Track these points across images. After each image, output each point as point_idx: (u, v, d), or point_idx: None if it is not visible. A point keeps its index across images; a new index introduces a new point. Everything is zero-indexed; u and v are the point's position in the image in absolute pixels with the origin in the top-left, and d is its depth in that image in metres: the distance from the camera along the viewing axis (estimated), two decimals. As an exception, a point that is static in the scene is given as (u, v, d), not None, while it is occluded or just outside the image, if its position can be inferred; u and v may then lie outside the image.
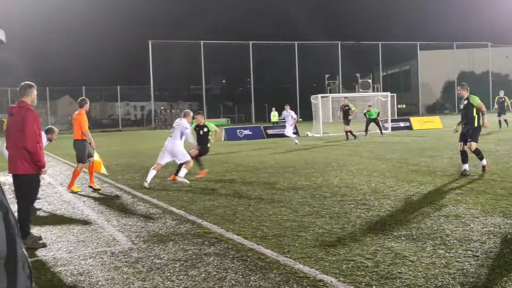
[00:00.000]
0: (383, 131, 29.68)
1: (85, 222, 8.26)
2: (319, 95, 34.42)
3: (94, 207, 9.64)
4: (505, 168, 12.31)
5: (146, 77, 68.41)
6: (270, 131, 32.89)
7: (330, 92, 52.51)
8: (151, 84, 67.28)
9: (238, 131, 32.29)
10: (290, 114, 25.41)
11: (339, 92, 58.83)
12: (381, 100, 36.84)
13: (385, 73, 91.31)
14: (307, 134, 32.27)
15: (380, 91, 57.93)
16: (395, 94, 38.52)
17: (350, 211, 8.10)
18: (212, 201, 9.60)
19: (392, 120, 34.80)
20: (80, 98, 12.23)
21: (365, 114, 29.68)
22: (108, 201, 10.24)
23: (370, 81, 56.64)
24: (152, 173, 11.92)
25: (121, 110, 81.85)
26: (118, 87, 72.94)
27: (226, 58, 74.10)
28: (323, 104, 33.99)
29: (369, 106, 30.47)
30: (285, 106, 26.16)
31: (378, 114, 30.01)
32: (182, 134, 12.11)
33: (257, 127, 34.41)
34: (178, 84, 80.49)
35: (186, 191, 10.93)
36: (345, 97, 29.86)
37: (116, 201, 10.25)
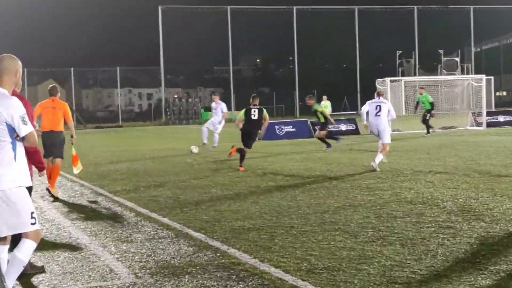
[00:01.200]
0: (451, 128, 29.26)
1: (74, 248, 8.35)
2: (388, 79, 34.17)
3: (85, 228, 9.75)
4: None
5: (154, 55, 68.60)
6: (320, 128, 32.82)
7: (403, 75, 52.03)
8: (161, 65, 67.27)
9: (277, 127, 32.31)
10: (220, 106, 25.58)
11: (414, 75, 58.29)
12: (473, 86, 36.36)
13: (478, 49, 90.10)
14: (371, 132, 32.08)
15: (472, 73, 57.17)
16: (492, 78, 38.00)
17: (429, 236, 8.02)
18: (242, 221, 9.62)
19: (488, 113, 34.32)
20: (50, 86, 13.24)
21: (417, 103, 29.41)
22: (104, 220, 10.35)
23: (457, 59, 55.84)
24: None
25: (122, 99, 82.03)
26: (118, 68, 72.73)
27: (262, 29, 74.01)
28: (393, 91, 33.75)
29: (421, 88, 30.10)
30: (213, 96, 26.20)
31: (432, 105, 29.39)
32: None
33: (303, 122, 34.41)
34: (196, 65, 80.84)
35: (207, 208, 10.98)
36: (422, 87, 29.75)
37: (115, 220, 10.35)
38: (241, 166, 16.81)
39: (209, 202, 11.62)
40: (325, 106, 35.89)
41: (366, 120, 17.21)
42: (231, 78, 70.58)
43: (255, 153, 22.57)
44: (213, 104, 26.20)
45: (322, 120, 23.95)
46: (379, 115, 16.51)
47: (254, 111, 17.47)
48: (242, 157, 16.90)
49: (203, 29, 71.86)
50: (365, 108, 17.27)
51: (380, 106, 16.64)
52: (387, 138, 16.41)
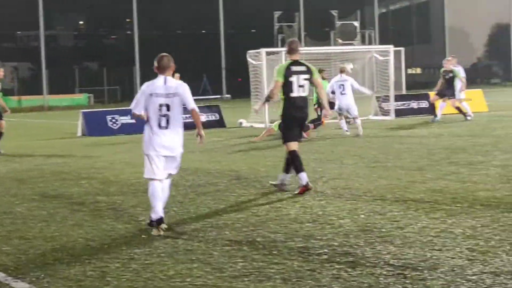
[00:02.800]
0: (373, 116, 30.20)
1: None
2: (263, 50, 34.62)
3: None
4: None
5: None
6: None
7: (283, 45, 52.97)
8: None
9: (109, 118, 32.08)
10: None
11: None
12: (377, 60, 37.42)
13: (384, 10, 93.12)
14: (241, 123, 32.41)
15: (376, 43, 59.00)
16: (403, 49, 39.27)
17: (320, 267, 8.18)
18: (60, 252, 9.48)
19: (398, 98, 35.50)
20: None
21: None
22: None
23: (356, 24, 57.48)
24: None
25: None
26: None
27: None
28: (270, 67, 34.17)
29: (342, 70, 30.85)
30: None
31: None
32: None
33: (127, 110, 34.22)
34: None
35: (9, 235, 10.74)
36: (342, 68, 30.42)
37: None
38: None
39: (10, 227, 11.37)
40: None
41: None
42: (42, 48, 69.60)
43: (69, 156, 22.34)
44: None
45: None
46: (344, 93, 23.84)
47: None
48: None
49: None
50: (330, 87, 22.21)
51: (343, 85, 22.73)
52: (355, 111, 24.67)
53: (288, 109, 13.81)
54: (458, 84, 31.22)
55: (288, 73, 13.66)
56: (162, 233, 10.37)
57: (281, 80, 13.63)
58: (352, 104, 25.79)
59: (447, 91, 30.74)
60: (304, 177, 13.47)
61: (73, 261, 8.99)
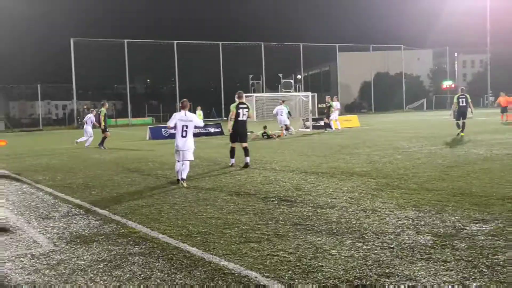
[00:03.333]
0: (293, 130, 30.10)
1: (4, 225, 7.85)
2: (244, 94, 34.57)
3: (13, 209, 9.18)
4: (417, 164, 12.89)
5: (68, 75, 66.04)
6: (195, 131, 32.66)
7: (254, 92, 52.77)
8: (73, 82, 64.96)
9: (163, 130, 31.84)
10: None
11: (262, 92, 59.36)
12: (302, 100, 37.52)
13: (306, 74, 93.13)
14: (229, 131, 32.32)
15: (302, 91, 59.00)
16: (315, 94, 39.34)
17: (273, 207, 8.21)
18: (137, 200, 9.43)
19: (313, 119, 35.52)
20: None
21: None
22: (28, 202, 9.80)
23: (292, 81, 57.40)
24: None
25: (42, 109, 78.38)
26: (39, 85, 69.85)
27: (151, 57, 72.90)
28: (247, 103, 34.18)
29: (282, 101, 30.72)
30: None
31: (289, 113, 30.10)
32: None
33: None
34: (101, 83, 78.26)
35: (111, 191, 10.67)
36: (283, 101, 30.39)
37: (37, 202, 9.82)
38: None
39: (111, 187, 11.29)
40: (199, 114, 35.59)
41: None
42: (128, 93, 69.21)
43: (142, 150, 22.18)
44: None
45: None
46: (282, 115, 27.81)
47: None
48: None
49: (106, 56, 69.45)
50: (275, 111, 21.25)
51: (282, 110, 26.37)
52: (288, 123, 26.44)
53: (236, 126, 14.21)
54: (335, 111, 31.46)
55: (237, 108, 14.25)
56: (184, 185, 10.82)
57: (235, 111, 14.21)
58: (286, 120, 28.25)
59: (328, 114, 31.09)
60: (233, 161, 14.36)
61: (144, 205, 8.95)
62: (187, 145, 11.23)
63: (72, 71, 64.21)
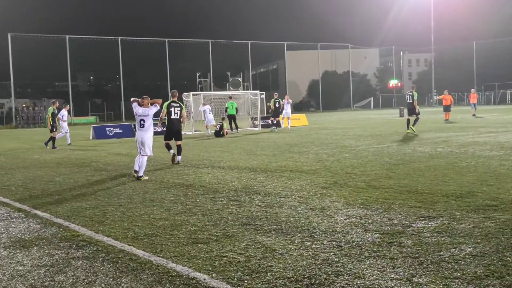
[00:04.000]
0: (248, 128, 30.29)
1: None
2: (191, 93, 34.34)
3: None
4: (365, 162, 13.17)
5: (5, 72, 63.72)
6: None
7: (202, 90, 52.59)
8: (11, 79, 62.72)
9: (107, 129, 31.26)
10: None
11: (210, 90, 59.18)
12: (251, 98, 37.65)
13: (254, 72, 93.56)
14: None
15: (250, 89, 59.21)
16: (264, 93, 39.53)
17: (222, 207, 8.20)
18: (80, 202, 9.21)
19: (262, 118, 35.69)
20: None
21: (226, 108, 29.90)
22: (-38, 206, 9.40)
23: (240, 79, 57.62)
24: None
25: (-23, 107, 75.33)
26: (-27, 82, 67.19)
27: (94, 54, 71.24)
28: (195, 102, 33.94)
29: (229, 98, 30.76)
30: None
31: (237, 109, 30.18)
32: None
33: (128, 125, 33.51)
34: (41, 80, 75.96)
35: (52, 193, 10.37)
36: (230, 97, 30.40)
37: (-28, 206, 9.43)
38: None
39: (53, 188, 10.97)
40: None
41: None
42: (70, 91, 67.41)
43: (85, 150, 21.70)
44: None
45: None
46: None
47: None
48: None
49: (46, 52, 67.37)
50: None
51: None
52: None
53: (169, 124, 14.65)
54: (287, 109, 31.98)
55: (169, 106, 14.54)
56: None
57: (165, 110, 14.56)
58: (212, 120, 29.19)
59: (277, 113, 31.30)
60: (172, 151, 14.78)
61: (87, 207, 8.75)
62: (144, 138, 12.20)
63: (9, 68, 62.00)
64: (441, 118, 34.76)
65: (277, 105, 31.17)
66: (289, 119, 32.76)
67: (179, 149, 14.69)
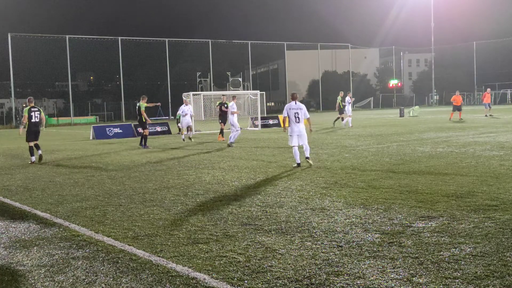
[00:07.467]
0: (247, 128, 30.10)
1: None
2: (191, 93, 34.38)
3: None
4: (365, 162, 13.17)
5: (5, 72, 63.69)
6: (141, 130, 32.16)
7: (202, 90, 52.65)
8: (11, 79, 62.69)
9: (107, 129, 31.25)
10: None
11: (210, 90, 59.20)
12: (251, 98, 37.67)
13: (254, 72, 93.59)
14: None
15: (250, 89, 59.25)
16: (264, 93, 39.56)
17: (222, 207, 8.19)
18: (80, 202, 9.21)
19: (262, 118, 35.72)
20: None
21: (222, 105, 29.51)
22: (-38, 206, 9.40)
23: (240, 79, 57.62)
24: None
25: (-23, 107, 75.31)
26: (-27, 82, 67.19)
27: (94, 54, 71.18)
28: (195, 102, 34.00)
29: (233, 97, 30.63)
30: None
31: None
32: None
33: (128, 125, 33.55)
34: (42, 80, 75.94)
35: (52, 193, 10.37)
36: (223, 95, 30.27)
37: (-28, 206, 9.43)
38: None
39: (53, 189, 10.97)
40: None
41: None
42: (70, 91, 67.44)
43: (85, 150, 21.70)
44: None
45: (144, 120, 21.17)
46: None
47: None
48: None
49: (46, 52, 67.28)
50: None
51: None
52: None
53: (30, 127, 16.28)
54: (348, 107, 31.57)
55: (29, 111, 16.22)
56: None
57: (27, 114, 16.20)
58: (190, 121, 25.11)
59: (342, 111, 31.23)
60: (33, 158, 16.31)
61: (88, 207, 8.75)
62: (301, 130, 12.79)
63: (9, 68, 61.98)
64: (441, 118, 34.76)
65: (343, 103, 31.29)
66: (350, 117, 31.88)
67: (37, 147, 16.42)
